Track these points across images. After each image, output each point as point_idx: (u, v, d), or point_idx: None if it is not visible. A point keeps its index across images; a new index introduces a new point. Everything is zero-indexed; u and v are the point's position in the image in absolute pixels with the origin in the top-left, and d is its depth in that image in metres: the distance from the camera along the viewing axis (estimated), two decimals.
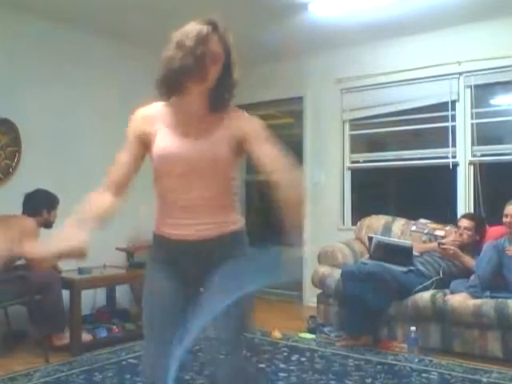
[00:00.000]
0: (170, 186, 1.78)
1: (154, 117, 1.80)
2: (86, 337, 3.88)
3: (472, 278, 3.80)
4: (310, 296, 4.99)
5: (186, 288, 1.83)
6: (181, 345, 1.65)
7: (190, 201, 1.76)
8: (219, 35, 1.72)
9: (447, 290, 3.87)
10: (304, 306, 5.30)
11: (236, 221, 1.86)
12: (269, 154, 1.73)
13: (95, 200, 1.74)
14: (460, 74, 4.70)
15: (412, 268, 4.07)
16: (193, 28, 1.71)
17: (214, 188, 1.78)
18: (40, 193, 3.89)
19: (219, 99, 1.77)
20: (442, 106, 4.80)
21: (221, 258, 1.76)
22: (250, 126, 1.79)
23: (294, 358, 3.69)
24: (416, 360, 3.58)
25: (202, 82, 1.71)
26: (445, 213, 4.77)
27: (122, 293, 4.74)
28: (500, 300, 3.55)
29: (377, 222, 4.83)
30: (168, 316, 1.80)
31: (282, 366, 3.52)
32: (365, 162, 5.33)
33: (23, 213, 3.86)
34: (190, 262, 1.80)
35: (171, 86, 1.74)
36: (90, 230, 1.65)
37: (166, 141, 1.76)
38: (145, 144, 1.80)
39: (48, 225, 3.95)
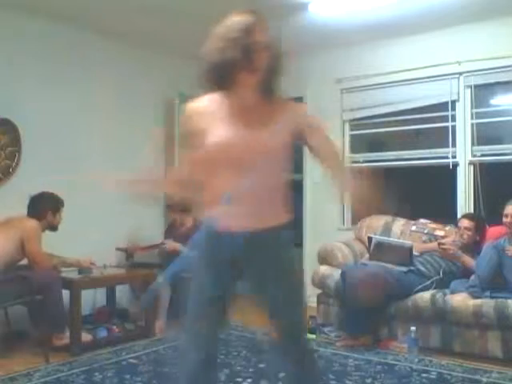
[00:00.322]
0: (224, 177, 1.76)
1: (205, 109, 1.80)
2: (85, 337, 3.87)
3: (472, 277, 3.80)
4: (310, 296, 4.99)
5: (232, 280, 1.85)
6: None
7: (243, 192, 1.74)
8: (263, 25, 1.74)
9: (447, 290, 3.87)
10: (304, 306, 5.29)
11: (282, 215, 1.84)
12: (329, 151, 1.87)
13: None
14: (460, 73, 4.70)
15: (412, 268, 4.07)
16: (237, 20, 1.72)
17: (267, 179, 1.77)
18: (45, 195, 3.88)
19: (271, 88, 1.79)
20: (442, 106, 4.80)
21: (260, 251, 1.76)
22: (309, 118, 1.85)
23: None
24: (416, 360, 3.58)
25: (253, 72, 1.72)
26: (445, 213, 4.77)
27: (122, 293, 4.75)
28: (500, 300, 3.55)
29: (377, 222, 4.83)
30: (214, 309, 1.82)
31: None
32: (365, 161, 5.33)
33: (28, 215, 3.86)
34: (240, 254, 1.78)
35: (221, 78, 1.73)
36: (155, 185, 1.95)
37: (222, 131, 1.74)
38: (201, 138, 1.78)
39: (53, 227, 3.95)
